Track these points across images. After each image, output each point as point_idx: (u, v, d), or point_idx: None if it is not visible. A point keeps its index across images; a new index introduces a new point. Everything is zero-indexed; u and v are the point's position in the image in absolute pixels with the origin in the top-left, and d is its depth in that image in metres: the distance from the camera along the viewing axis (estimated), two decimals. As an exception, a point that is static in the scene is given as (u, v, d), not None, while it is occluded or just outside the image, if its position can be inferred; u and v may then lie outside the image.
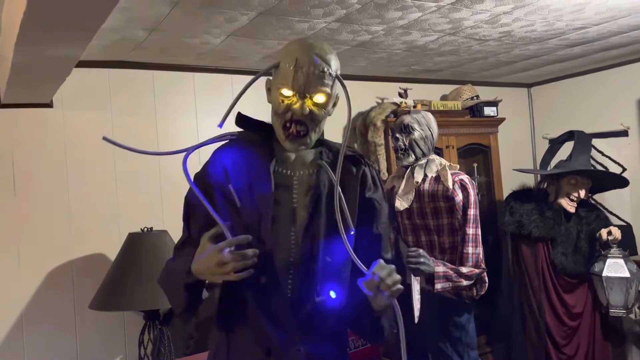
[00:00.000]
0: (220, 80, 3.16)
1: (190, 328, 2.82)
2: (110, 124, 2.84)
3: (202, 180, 1.38)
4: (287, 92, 1.28)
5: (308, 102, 1.28)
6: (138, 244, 2.55)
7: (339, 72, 1.33)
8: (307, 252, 1.32)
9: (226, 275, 1.22)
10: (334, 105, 1.37)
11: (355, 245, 1.33)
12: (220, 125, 1.34)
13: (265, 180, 1.32)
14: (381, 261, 1.27)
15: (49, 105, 2.70)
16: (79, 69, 2.30)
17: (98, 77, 2.83)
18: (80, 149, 2.77)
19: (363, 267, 1.27)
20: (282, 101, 1.30)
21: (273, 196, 1.32)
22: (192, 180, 1.35)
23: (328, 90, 1.30)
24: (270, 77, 1.38)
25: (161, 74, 2.99)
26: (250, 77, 1.38)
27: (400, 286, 1.25)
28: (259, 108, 1.64)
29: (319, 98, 1.29)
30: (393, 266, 1.27)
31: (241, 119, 1.41)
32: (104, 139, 1.29)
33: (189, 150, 1.36)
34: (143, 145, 2.87)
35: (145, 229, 2.64)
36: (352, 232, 1.31)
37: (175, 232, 2.64)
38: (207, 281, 1.37)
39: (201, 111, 3.10)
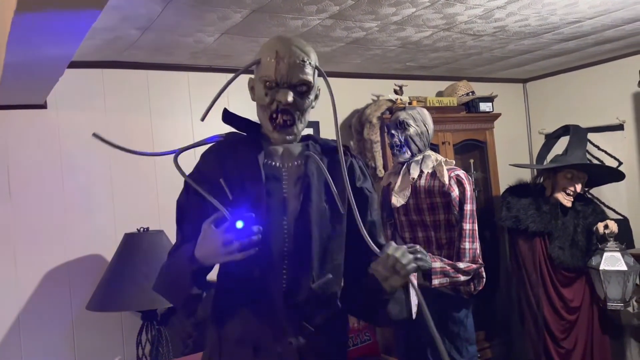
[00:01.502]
0: (214, 79, 3.14)
1: (189, 327, 2.81)
2: (105, 124, 2.83)
3: (194, 179, 1.39)
4: (270, 83, 1.32)
5: (291, 92, 1.31)
6: (134, 244, 2.55)
7: (317, 64, 1.37)
8: (300, 241, 1.34)
9: (231, 255, 1.22)
10: (316, 97, 1.41)
11: (350, 232, 1.37)
12: (202, 119, 1.36)
13: (255, 172, 1.35)
14: (393, 242, 1.30)
15: (43, 106, 2.69)
16: (72, 69, 2.29)
17: (92, 78, 2.82)
18: (75, 149, 2.76)
19: (376, 250, 1.30)
20: (266, 93, 1.33)
21: (264, 187, 1.33)
22: (185, 179, 1.38)
23: (309, 78, 1.34)
24: (252, 76, 1.42)
25: (155, 73, 2.98)
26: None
27: (414, 264, 1.29)
28: (245, 108, 1.65)
29: (302, 87, 1.33)
30: (405, 246, 1.30)
31: (227, 116, 1.43)
32: (94, 135, 1.31)
33: (178, 151, 1.39)
34: (139, 145, 2.88)
35: (142, 229, 2.63)
36: (342, 213, 1.36)
37: (172, 232, 2.63)
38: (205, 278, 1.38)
39: (196, 110, 3.10)
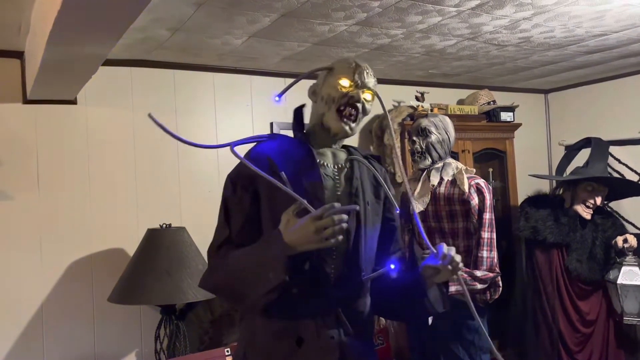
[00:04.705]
0: (239, 81, 3.20)
1: (206, 323, 2.85)
2: (132, 121, 2.89)
3: (246, 173, 1.41)
4: (346, 82, 1.47)
5: (363, 93, 1.49)
6: (157, 240, 2.60)
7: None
8: (350, 236, 1.44)
9: (321, 242, 1.27)
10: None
11: (379, 234, 1.55)
12: (279, 97, 1.51)
13: (313, 167, 1.46)
14: (444, 244, 1.48)
15: (73, 102, 2.76)
16: (102, 67, 2.35)
17: (121, 75, 2.89)
18: (102, 145, 2.83)
19: (432, 249, 1.50)
20: (340, 89, 1.47)
21: (322, 182, 1.44)
22: (233, 177, 1.45)
23: (374, 92, 1.52)
24: (315, 82, 1.56)
25: (182, 73, 3.04)
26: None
27: (462, 263, 1.48)
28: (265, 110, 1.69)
29: (368, 96, 1.50)
30: (453, 247, 1.48)
31: (298, 114, 1.56)
32: (149, 116, 1.28)
33: (232, 144, 1.41)
34: (164, 142, 2.94)
35: (164, 225, 2.68)
36: (397, 211, 1.59)
37: (193, 228, 2.70)
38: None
39: (220, 110, 3.15)
